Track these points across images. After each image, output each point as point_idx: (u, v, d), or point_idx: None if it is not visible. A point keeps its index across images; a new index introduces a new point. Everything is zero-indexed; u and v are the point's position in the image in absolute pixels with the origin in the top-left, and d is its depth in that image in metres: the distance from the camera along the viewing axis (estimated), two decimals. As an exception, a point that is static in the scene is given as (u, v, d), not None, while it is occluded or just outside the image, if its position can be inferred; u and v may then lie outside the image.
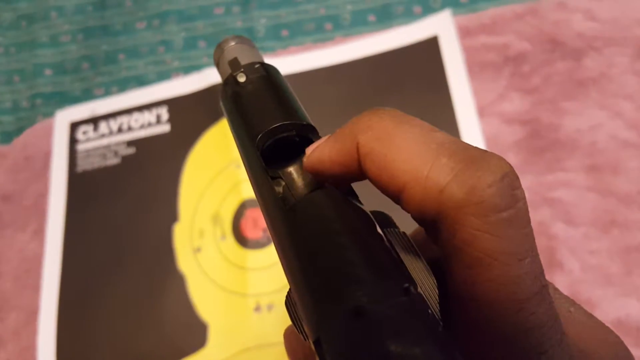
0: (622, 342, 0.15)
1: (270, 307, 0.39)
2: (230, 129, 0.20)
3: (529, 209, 0.13)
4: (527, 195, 0.14)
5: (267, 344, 0.38)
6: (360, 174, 0.15)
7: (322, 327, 0.13)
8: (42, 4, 0.57)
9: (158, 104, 0.48)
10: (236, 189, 0.43)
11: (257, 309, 0.39)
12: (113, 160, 0.47)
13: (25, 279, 0.44)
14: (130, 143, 0.47)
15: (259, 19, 0.51)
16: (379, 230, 0.15)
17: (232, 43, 0.21)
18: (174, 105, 0.48)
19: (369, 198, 0.17)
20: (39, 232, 0.45)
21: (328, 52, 0.47)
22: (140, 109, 0.48)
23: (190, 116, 0.47)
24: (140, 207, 0.44)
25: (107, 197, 0.45)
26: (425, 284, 0.14)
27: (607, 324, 0.16)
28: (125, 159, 0.47)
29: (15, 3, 0.57)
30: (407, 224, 0.16)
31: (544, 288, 0.13)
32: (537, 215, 0.38)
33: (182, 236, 0.43)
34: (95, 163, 0.47)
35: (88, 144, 0.48)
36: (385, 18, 0.49)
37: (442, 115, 0.42)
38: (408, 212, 0.14)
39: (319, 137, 0.18)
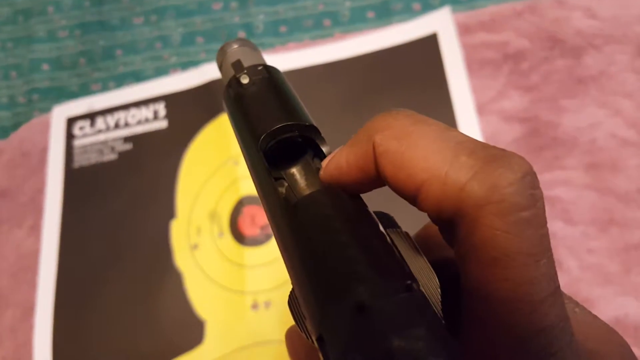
0: (626, 343, 0.15)
1: (267, 305, 0.39)
2: (233, 130, 0.20)
3: None
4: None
5: (264, 342, 0.38)
6: (378, 178, 0.15)
7: (324, 324, 0.13)
8: (39, -2, 0.56)
9: (155, 99, 0.48)
10: (234, 186, 0.43)
11: (255, 306, 0.39)
12: (110, 156, 0.47)
13: (22, 276, 0.44)
14: (127, 139, 0.47)
15: (257, 15, 0.51)
16: (381, 229, 0.15)
17: (235, 46, 0.22)
18: (172, 101, 0.48)
19: (372, 200, 0.17)
20: (36, 228, 0.45)
21: (327, 49, 0.46)
22: (138, 104, 0.48)
23: (187, 112, 0.47)
24: (138, 203, 0.44)
25: (104, 194, 0.45)
26: (428, 283, 0.14)
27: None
28: (122, 155, 0.46)
29: (12, -2, 0.57)
30: (408, 226, 0.16)
31: (557, 289, 0.13)
32: (536, 214, 0.38)
33: (179, 233, 0.43)
34: (92, 159, 0.47)
35: (85, 140, 0.48)
36: (384, 15, 0.48)
37: (441, 112, 0.42)
38: (424, 211, 0.14)
39: (321, 138, 0.18)
